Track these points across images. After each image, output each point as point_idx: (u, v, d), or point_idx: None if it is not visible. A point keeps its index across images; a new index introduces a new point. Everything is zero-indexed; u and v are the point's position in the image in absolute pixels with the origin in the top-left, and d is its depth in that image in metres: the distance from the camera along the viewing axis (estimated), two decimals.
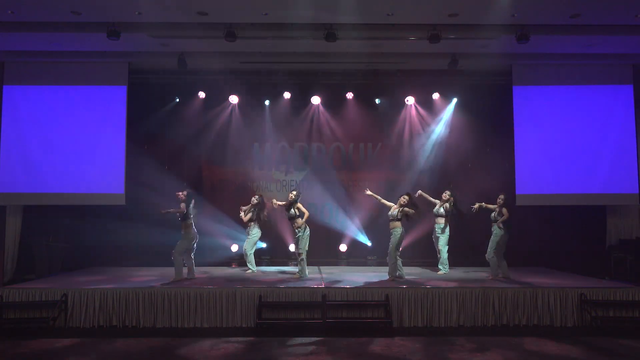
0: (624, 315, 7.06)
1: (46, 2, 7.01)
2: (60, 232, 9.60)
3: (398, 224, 7.83)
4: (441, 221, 8.62)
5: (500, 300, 7.03)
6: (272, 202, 8.34)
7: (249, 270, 8.70)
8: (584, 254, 9.55)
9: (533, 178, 9.17)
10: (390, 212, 7.93)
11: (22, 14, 7.39)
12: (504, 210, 8.04)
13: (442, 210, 8.61)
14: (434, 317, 6.96)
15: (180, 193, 7.87)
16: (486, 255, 8.16)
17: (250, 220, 8.75)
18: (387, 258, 7.90)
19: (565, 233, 9.74)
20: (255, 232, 8.77)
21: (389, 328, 6.74)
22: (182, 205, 7.77)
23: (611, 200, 9.18)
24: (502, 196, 8.17)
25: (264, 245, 10.65)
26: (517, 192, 9.13)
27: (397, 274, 7.92)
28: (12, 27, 7.71)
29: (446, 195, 8.62)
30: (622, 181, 9.04)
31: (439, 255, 8.71)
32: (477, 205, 8.33)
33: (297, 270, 8.33)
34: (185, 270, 7.91)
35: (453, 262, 8.85)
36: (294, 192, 8.17)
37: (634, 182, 9.01)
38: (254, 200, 8.78)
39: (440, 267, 8.64)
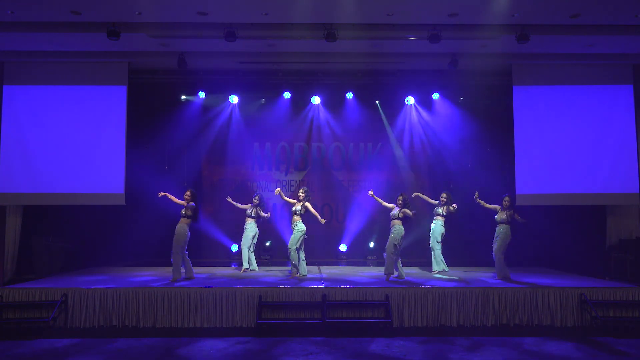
0: (624, 315, 7.05)
1: (46, 2, 7.00)
2: (60, 232, 9.59)
3: (399, 223, 7.86)
4: (438, 220, 8.65)
5: (500, 300, 7.03)
6: (276, 191, 8.38)
7: (245, 268, 8.68)
8: (584, 254, 9.54)
9: (533, 178, 9.15)
10: (391, 212, 7.99)
11: (22, 14, 7.38)
12: (516, 215, 8.02)
13: (439, 210, 8.66)
14: (434, 317, 6.95)
15: (185, 194, 7.91)
16: (493, 253, 8.15)
17: (250, 217, 8.84)
18: (384, 254, 7.90)
19: (565, 233, 9.73)
20: (251, 226, 8.82)
21: (389, 328, 6.74)
22: (192, 204, 7.80)
23: (611, 200, 9.15)
24: (507, 198, 8.11)
25: (267, 243, 10.67)
26: (517, 192, 9.11)
27: (396, 274, 7.93)
28: (12, 27, 7.68)
29: (443, 198, 8.65)
30: (622, 181, 9.01)
31: (433, 255, 8.70)
32: (478, 199, 8.31)
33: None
34: (183, 270, 7.90)
35: (449, 262, 8.84)
36: (304, 190, 8.20)
37: (634, 182, 8.99)
38: (255, 200, 8.87)
39: (438, 267, 8.63)
